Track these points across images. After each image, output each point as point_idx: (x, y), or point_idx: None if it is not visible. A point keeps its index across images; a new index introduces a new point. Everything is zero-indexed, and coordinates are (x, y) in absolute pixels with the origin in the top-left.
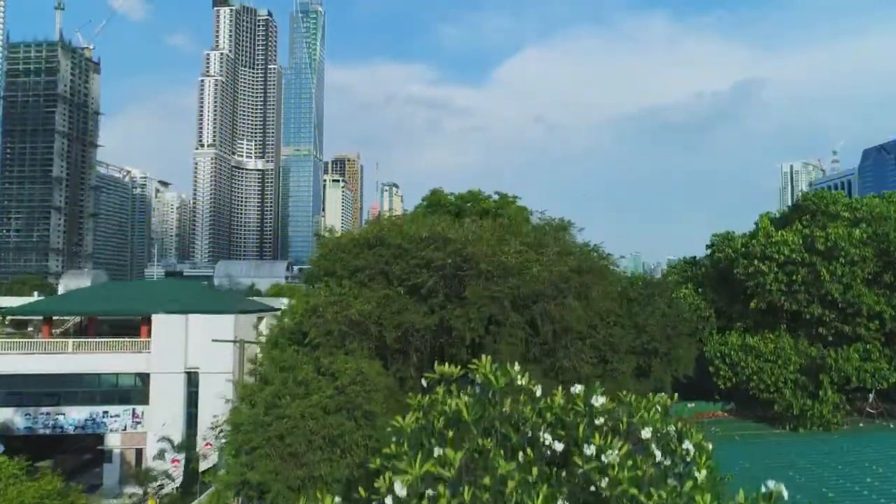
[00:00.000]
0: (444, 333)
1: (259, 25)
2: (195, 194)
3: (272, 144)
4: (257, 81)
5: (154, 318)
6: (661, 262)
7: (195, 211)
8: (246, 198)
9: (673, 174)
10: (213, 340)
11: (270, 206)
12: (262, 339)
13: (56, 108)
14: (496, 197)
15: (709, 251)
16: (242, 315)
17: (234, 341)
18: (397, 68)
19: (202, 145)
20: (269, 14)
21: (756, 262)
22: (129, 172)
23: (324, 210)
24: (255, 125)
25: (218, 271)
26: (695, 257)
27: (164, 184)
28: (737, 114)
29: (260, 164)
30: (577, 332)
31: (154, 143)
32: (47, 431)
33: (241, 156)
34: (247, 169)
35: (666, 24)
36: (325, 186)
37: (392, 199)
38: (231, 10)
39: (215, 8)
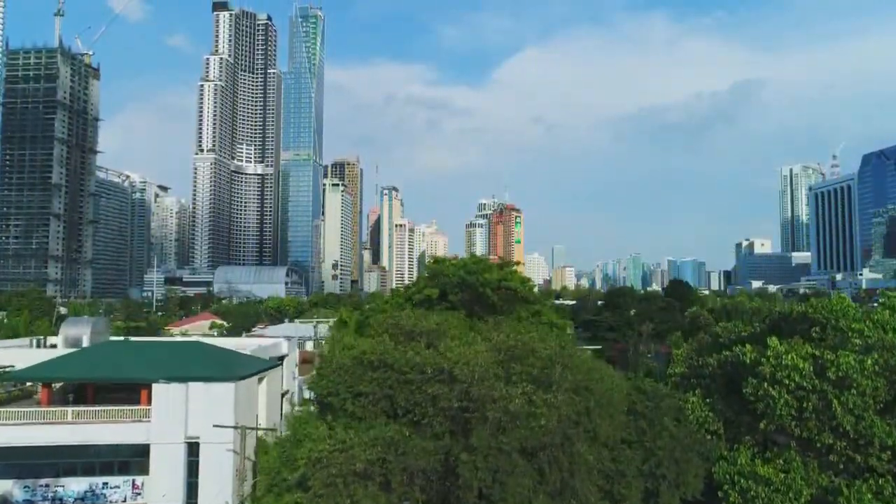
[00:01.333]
0: (451, 474)
1: (258, 30)
2: (195, 199)
3: (272, 149)
4: (257, 86)
5: (154, 387)
6: (661, 263)
7: (195, 216)
8: (245, 202)
9: (672, 175)
10: (214, 426)
11: (270, 211)
12: (261, 422)
13: (55, 115)
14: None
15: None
16: (243, 381)
17: (235, 427)
18: (397, 69)
19: (202, 150)
20: (269, 18)
21: (766, 384)
22: (128, 177)
23: (323, 214)
24: (255, 130)
25: (217, 277)
26: (698, 340)
27: (164, 188)
28: (736, 114)
29: (259, 169)
30: (586, 470)
31: (153, 146)
32: None
33: (241, 160)
34: (246, 173)
35: (665, 25)
36: (324, 190)
37: (392, 202)
38: (230, 15)
39: (215, 13)
